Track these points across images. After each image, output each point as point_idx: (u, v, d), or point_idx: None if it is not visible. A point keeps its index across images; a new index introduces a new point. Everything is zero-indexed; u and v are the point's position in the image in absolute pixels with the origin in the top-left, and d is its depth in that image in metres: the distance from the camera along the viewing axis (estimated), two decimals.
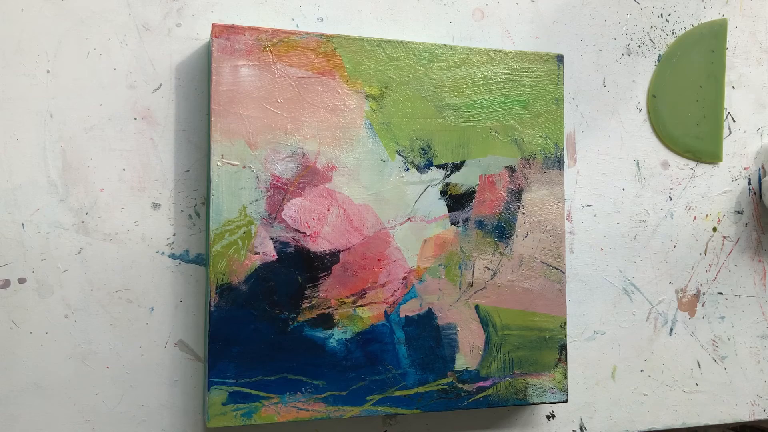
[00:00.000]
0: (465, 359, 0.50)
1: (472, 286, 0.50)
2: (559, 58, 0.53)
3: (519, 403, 0.51)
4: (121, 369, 0.46)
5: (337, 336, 0.47)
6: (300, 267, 0.46)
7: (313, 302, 0.46)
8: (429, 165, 0.49)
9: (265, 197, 0.46)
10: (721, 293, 0.62)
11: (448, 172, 0.50)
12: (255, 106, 0.45)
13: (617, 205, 0.59)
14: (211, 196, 0.45)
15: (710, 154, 0.61)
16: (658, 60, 0.60)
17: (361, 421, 0.51)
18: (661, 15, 0.60)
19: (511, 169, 0.51)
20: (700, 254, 0.61)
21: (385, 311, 0.48)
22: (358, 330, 0.47)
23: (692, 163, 0.61)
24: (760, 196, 0.63)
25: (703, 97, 0.61)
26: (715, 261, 0.61)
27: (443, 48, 0.50)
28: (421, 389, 0.48)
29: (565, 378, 0.52)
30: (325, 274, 0.47)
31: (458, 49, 0.50)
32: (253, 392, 0.45)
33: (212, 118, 0.45)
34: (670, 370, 0.60)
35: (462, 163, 0.50)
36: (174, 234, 0.47)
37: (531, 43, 0.56)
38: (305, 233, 0.46)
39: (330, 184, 0.47)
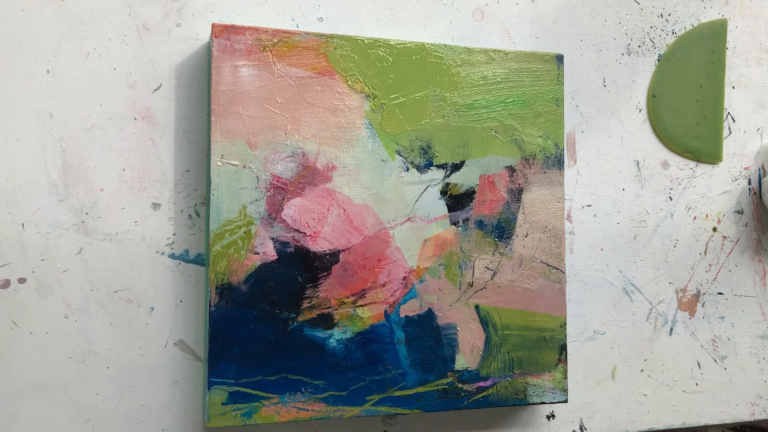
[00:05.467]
0: (465, 359, 0.50)
1: (472, 286, 0.50)
2: (559, 58, 0.53)
3: (519, 403, 0.51)
4: (121, 369, 0.46)
5: (337, 336, 0.47)
6: (300, 267, 0.46)
7: (313, 302, 0.46)
8: (429, 165, 0.49)
9: (265, 197, 0.46)
10: (721, 293, 0.62)
11: (448, 172, 0.50)
12: (255, 106, 0.45)
13: (617, 205, 0.59)
14: (211, 196, 0.45)
15: (710, 154, 0.61)
16: (658, 60, 0.60)
17: (361, 421, 0.51)
18: (661, 15, 0.60)
19: (511, 169, 0.51)
20: (700, 254, 0.61)
21: (385, 311, 0.48)
22: (358, 330, 0.47)
23: (692, 163, 0.61)
24: (760, 196, 0.63)
25: (703, 97, 0.61)
26: (715, 261, 0.61)
27: (443, 48, 0.50)
28: (421, 389, 0.48)
29: (565, 378, 0.52)
30: (325, 274, 0.47)
31: (458, 49, 0.50)
32: (253, 392, 0.45)
33: (212, 118, 0.45)
34: (670, 370, 0.60)
35: (462, 163, 0.50)
36: (174, 234, 0.47)
37: (531, 43, 0.56)
38: (305, 233, 0.46)
39: (330, 184, 0.47)
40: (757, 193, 0.63)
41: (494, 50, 0.51)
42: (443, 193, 0.50)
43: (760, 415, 0.63)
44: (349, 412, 0.47)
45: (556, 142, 0.52)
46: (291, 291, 0.46)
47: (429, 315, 0.49)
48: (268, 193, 0.46)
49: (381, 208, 0.48)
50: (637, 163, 0.59)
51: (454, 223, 0.50)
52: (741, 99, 0.63)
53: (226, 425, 0.44)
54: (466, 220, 0.50)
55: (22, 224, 0.45)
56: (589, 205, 0.58)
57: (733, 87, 0.62)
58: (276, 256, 0.46)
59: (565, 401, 0.52)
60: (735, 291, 0.62)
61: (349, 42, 0.48)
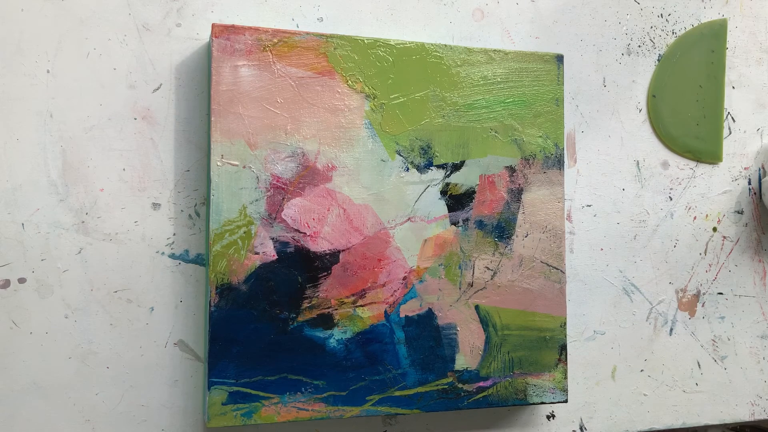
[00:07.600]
0: (465, 359, 0.50)
1: (472, 286, 0.50)
2: (559, 58, 0.53)
3: (519, 403, 0.51)
4: (121, 369, 0.46)
5: (337, 336, 0.47)
6: (300, 267, 0.46)
7: (313, 302, 0.46)
8: (429, 165, 0.49)
9: (265, 197, 0.46)
10: (721, 293, 0.62)
11: (448, 172, 0.50)
12: (255, 106, 0.46)
13: (617, 205, 0.59)
14: (211, 196, 0.45)
15: (710, 154, 0.61)
16: (658, 60, 0.60)
17: (361, 421, 0.51)
18: (661, 15, 0.60)
19: (511, 169, 0.51)
20: (700, 254, 0.61)
21: (385, 311, 0.48)
22: (358, 330, 0.47)
23: (692, 163, 0.61)
24: (760, 196, 0.63)
25: (703, 97, 0.61)
26: (715, 261, 0.61)
27: (443, 48, 0.50)
28: (421, 389, 0.48)
29: (565, 378, 0.52)
30: (325, 274, 0.47)
31: (458, 49, 0.50)
32: (253, 392, 0.45)
33: (212, 118, 0.45)
34: (670, 370, 0.60)
35: (462, 163, 0.50)
36: (174, 234, 0.47)
37: (531, 43, 0.56)
38: (305, 233, 0.46)
39: (330, 184, 0.47)
40: (757, 193, 0.63)
41: (494, 50, 0.51)
42: (443, 193, 0.50)
43: (760, 415, 0.63)
44: (349, 412, 0.47)
45: (556, 142, 0.52)
46: (291, 291, 0.46)
47: (429, 315, 0.49)
48: (268, 193, 0.46)
49: (381, 208, 0.48)
50: (637, 163, 0.59)
51: (454, 223, 0.50)
52: (741, 99, 0.63)
53: (226, 425, 0.44)
54: (466, 220, 0.50)
55: (22, 224, 0.45)
56: (589, 205, 0.58)
57: (733, 87, 0.62)
58: (276, 256, 0.46)
59: (565, 401, 0.52)
60: (735, 291, 0.62)
61: (349, 42, 0.48)
